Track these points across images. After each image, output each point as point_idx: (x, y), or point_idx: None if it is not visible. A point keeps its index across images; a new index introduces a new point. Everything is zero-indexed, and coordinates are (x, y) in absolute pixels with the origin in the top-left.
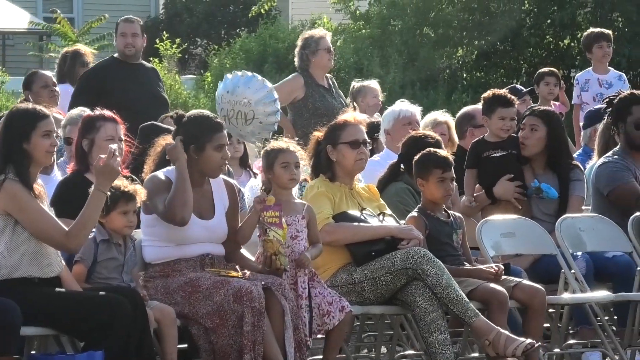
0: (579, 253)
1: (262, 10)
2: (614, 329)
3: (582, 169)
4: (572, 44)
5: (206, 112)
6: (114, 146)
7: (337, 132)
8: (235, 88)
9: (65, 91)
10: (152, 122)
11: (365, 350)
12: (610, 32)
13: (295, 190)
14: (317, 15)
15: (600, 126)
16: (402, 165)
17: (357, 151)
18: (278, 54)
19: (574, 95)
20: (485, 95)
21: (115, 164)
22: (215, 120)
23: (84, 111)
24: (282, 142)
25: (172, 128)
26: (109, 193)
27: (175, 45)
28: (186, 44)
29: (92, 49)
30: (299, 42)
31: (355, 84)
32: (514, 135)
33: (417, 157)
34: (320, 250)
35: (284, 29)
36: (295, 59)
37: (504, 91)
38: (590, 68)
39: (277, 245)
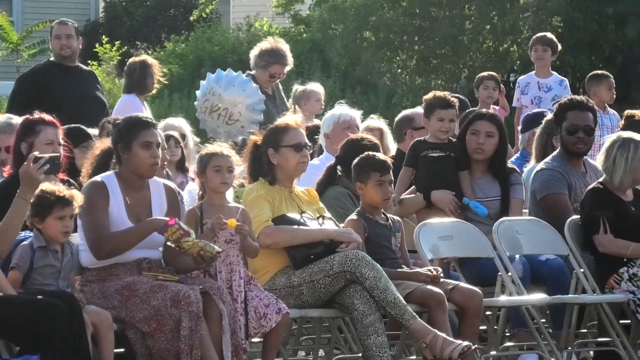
0: (517, 256)
1: (204, 14)
2: (550, 331)
3: (520, 173)
4: (512, 49)
5: (140, 113)
6: (36, 153)
7: (279, 136)
8: (230, 86)
9: (131, 102)
10: (77, 125)
11: (303, 354)
12: (548, 35)
13: (230, 194)
14: (256, 19)
15: (538, 130)
16: (339, 168)
17: (299, 154)
18: (215, 57)
19: (515, 99)
20: (425, 97)
21: (34, 172)
22: (144, 119)
23: (11, 118)
24: (216, 146)
25: (96, 132)
26: (36, 199)
27: (114, 49)
28: (126, 48)
29: (30, 53)
30: (259, 50)
31: (299, 87)
32: (454, 139)
33: (355, 160)
34: (257, 247)
35: (222, 32)
36: (251, 61)
37: (444, 93)
38: (532, 72)
39: (195, 245)
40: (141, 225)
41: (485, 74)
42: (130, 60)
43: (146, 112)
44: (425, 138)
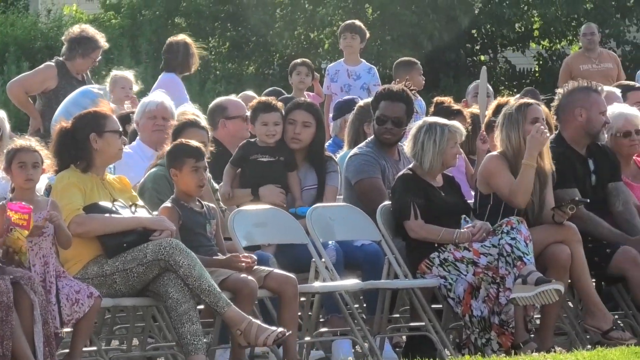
0: (331, 242)
1: None
2: (364, 316)
3: (336, 161)
4: (322, 36)
5: None
6: None
7: (102, 121)
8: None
9: (171, 81)
10: None
11: (117, 343)
12: (356, 22)
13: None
14: (65, 4)
15: (350, 117)
16: None
17: (120, 140)
18: (20, 43)
19: (324, 86)
20: (250, 103)
21: None
22: None
23: None
24: (23, 141)
25: None
26: None
27: None
28: None
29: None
30: (72, 33)
31: (114, 73)
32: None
33: (169, 147)
34: (70, 236)
35: (27, 16)
36: (64, 47)
37: (267, 97)
38: (342, 59)
39: (20, 244)
40: None
41: (297, 60)
42: (171, 39)
43: (185, 92)
44: (256, 140)
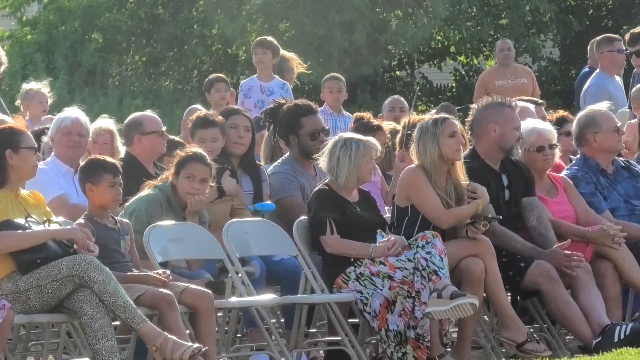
0: (254, 256)
1: None
2: (281, 331)
3: (265, 169)
4: (240, 52)
5: None
6: None
7: (17, 137)
8: None
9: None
10: None
11: (32, 359)
12: (268, 38)
13: None
14: None
15: (265, 133)
16: None
17: (35, 157)
18: None
19: (238, 102)
20: (191, 117)
21: None
22: None
23: None
24: None
25: None
26: None
27: None
28: None
29: None
30: None
31: (27, 87)
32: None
33: (84, 163)
34: None
35: None
36: None
37: (205, 112)
38: (255, 75)
39: None
40: None
41: (213, 76)
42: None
43: None
44: None
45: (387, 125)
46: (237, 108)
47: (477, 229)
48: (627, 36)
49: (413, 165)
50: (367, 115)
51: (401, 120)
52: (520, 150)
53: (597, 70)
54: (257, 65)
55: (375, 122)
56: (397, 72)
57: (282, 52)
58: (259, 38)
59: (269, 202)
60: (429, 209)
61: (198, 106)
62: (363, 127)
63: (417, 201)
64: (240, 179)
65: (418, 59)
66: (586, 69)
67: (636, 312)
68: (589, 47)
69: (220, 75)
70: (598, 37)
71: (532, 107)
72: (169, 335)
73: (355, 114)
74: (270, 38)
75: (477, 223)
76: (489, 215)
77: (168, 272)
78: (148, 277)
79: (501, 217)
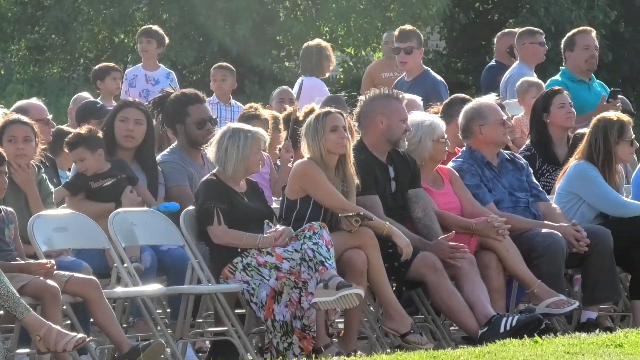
0: (145, 246)
1: None
2: (167, 321)
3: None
4: (126, 40)
5: None
6: None
7: None
8: None
9: (313, 85)
10: None
11: None
12: (153, 27)
13: None
14: None
15: (154, 122)
16: None
17: None
18: None
19: (123, 91)
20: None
21: None
22: None
23: None
24: None
25: None
26: None
27: None
28: None
29: None
30: None
31: None
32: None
33: None
34: None
35: None
36: None
37: (76, 132)
38: (140, 64)
39: None
40: None
41: (107, 64)
42: (307, 44)
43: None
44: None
45: (271, 114)
46: (131, 101)
47: (350, 223)
48: (396, 32)
49: (305, 159)
50: (255, 105)
51: (283, 111)
52: (406, 143)
53: (517, 61)
54: (142, 55)
55: (260, 111)
56: (286, 63)
57: (318, 40)
58: (143, 27)
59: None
60: (330, 200)
61: (85, 94)
62: (246, 117)
63: (316, 194)
64: (136, 170)
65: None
66: (493, 63)
67: (519, 304)
68: (495, 40)
69: (112, 64)
70: (518, 30)
71: (418, 99)
72: (53, 325)
73: (246, 105)
74: (155, 27)
75: (351, 217)
76: (361, 213)
77: (53, 261)
78: (31, 265)
79: (373, 218)
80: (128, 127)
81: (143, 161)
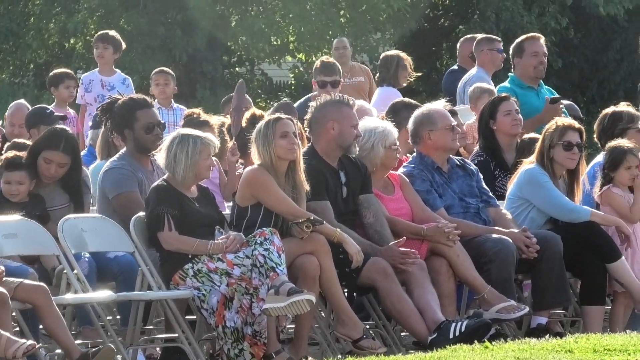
0: (86, 253)
1: None
2: (117, 328)
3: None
4: (77, 46)
5: None
6: None
7: None
8: None
9: (388, 96)
10: None
11: None
12: (110, 32)
13: None
14: None
15: (102, 129)
16: None
17: None
18: None
19: (79, 96)
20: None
21: None
22: None
23: None
24: None
25: None
26: None
27: None
28: None
29: None
30: None
31: None
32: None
33: None
34: None
35: None
36: None
37: (12, 154)
38: (96, 69)
39: None
40: None
41: (62, 71)
42: (386, 54)
43: None
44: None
45: (217, 119)
46: (59, 139)
47: (302, 230)
48: (318, 64)
49: (255, 165)
50: (197, 111)
51: (229, 115)
52: (376, 148)
53: (476, 66)
54: (98, 60)
55: (204, 117)
56: (237, 69)
57: (397, 52)
58: (100, 32)
59: None
60: (280, 206)
61: (22, 101)
62: (192, 122)
63: (267, 200)
64: (53, 192)
65: (257, 55)
66: (455, 67)
67: (469, 309)
68: (458, 45)
69: (68, 71)
70: (479, 36)
71: (369, 105)
72: (3, 332)
73: (185, 111)
74: (112, 32)
75: (302, 224)
76: (312, 218)
77: (2, 267)
78: None
79: (324, 223)
80: (50, 170)
81: (66, 186)
